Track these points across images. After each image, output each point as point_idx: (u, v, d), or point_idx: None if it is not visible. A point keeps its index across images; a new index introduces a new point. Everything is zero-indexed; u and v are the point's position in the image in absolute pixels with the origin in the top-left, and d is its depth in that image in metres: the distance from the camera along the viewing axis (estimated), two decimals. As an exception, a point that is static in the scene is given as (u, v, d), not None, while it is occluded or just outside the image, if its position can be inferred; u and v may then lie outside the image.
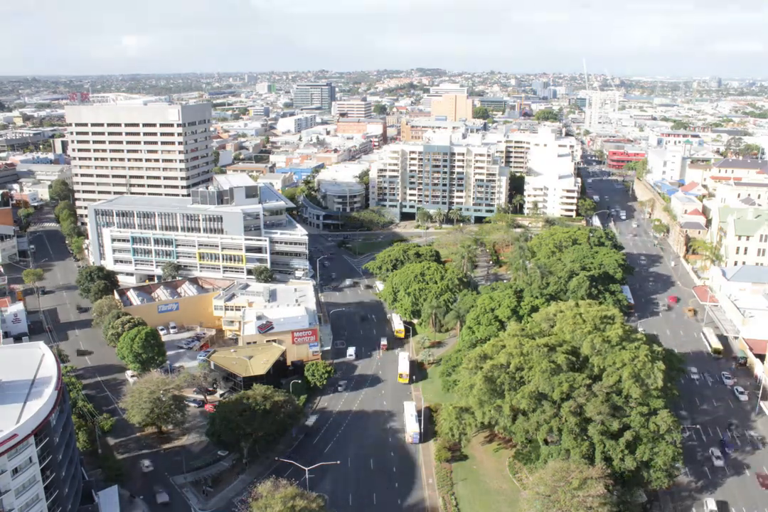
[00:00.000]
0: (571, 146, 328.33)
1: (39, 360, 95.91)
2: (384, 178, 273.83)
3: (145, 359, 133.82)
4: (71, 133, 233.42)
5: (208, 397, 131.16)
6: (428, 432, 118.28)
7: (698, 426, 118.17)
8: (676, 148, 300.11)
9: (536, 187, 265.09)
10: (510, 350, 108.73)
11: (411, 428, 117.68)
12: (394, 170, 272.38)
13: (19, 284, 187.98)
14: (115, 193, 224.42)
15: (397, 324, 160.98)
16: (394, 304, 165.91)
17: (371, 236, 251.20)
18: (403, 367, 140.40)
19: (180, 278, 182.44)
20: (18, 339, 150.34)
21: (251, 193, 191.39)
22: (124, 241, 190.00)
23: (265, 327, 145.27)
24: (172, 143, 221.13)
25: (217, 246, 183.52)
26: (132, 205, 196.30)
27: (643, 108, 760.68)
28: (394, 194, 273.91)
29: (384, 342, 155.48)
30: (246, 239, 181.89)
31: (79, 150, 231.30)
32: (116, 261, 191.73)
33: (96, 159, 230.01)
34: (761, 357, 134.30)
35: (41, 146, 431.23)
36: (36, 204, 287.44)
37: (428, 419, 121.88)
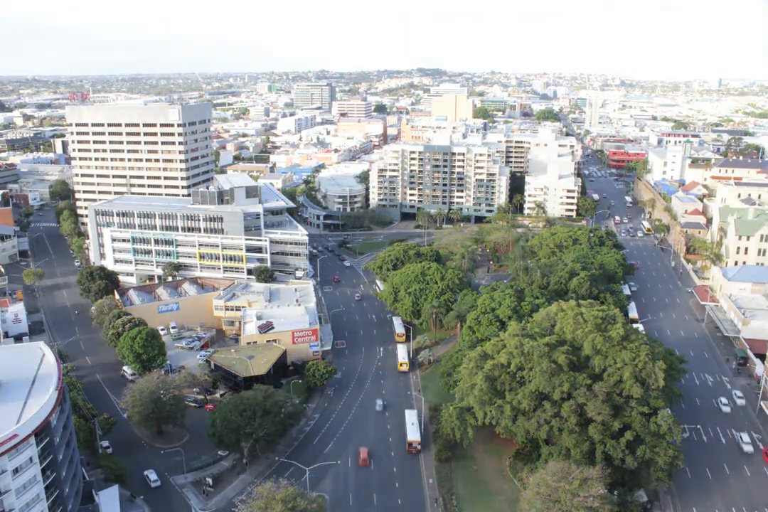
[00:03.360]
0: (572, 146, 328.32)
1: (39, 360, 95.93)
2: (384, 177, 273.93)
3: (146, 359, 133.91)
4: (71, 133, 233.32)
5: (208, 397, 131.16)
6: (428, 432, 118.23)
7: (698, 426, 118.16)
8: (677, 148, 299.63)
9: (537, 186, 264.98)
10: (511, 350, 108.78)
11: (412, 438, 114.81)
12: (394, 170, 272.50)
13: (19, 284, 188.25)
14: (115, 193, 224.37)
15: (398, 328, 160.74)
16: (395, 304, 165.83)
17: (371, 236, 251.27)
18: (403, 356, 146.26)
19: (180, 278, 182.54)
20: (18, 339, 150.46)
21: (252, 193, 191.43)
22: (124, 241, 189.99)
23: (265, 327, 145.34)
24: (173, 143, 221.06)
25: (217, 246, 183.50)
26: (132, 205, 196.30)
27: (643, 108, 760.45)
28: (394, 194, 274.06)
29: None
30: (246, 239, 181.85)
31: (80, 150, 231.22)
32: (116, 261, 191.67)
33: (96, 159, 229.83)
34: (761, 357, 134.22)
35: (41, 146, 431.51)
36: (36, 204, 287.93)
37: (429, 419, 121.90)
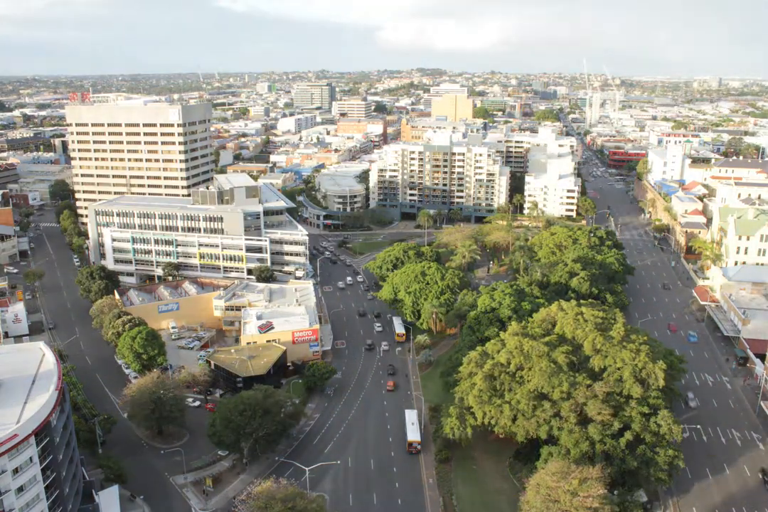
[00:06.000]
0: (572, 146, 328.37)
1: (39, 359, 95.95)
2: (384, 177, 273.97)
3: (146, 359, 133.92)
4: (72, 133, 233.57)
5: (208, 397, 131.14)
6: (428, 432, 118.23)
7: (698, 426, 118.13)
8: (677, 148, 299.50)
9: (536, 186, 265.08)
10: (510, 349, 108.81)
11: (412, 438, 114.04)
12: (394, 170, 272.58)
13: (19, 284, 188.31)
14: (115, 193, 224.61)
15: (398, 328, 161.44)
16: (395, 304, 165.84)
17: (371, 236, 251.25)
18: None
19: (181, 278, 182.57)
20: (18, 339, 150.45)
21: (252, 193, 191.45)
22: (124, 241, 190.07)
23: (265, 327, 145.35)
24: (173, 143, 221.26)
25: (217, 246, 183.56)
26: (132, 205, 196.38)
27: (643, 108, 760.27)
28: (394, 194, 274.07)
29: None
30: (246, 239, 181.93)
31: (80, 150, 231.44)
32: (116, 261, 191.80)
33: (96, 159, 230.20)
34: (761, 357, 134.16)
35: (41, 146, 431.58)
36: (36, 204, 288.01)
37: (429, 419, 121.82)
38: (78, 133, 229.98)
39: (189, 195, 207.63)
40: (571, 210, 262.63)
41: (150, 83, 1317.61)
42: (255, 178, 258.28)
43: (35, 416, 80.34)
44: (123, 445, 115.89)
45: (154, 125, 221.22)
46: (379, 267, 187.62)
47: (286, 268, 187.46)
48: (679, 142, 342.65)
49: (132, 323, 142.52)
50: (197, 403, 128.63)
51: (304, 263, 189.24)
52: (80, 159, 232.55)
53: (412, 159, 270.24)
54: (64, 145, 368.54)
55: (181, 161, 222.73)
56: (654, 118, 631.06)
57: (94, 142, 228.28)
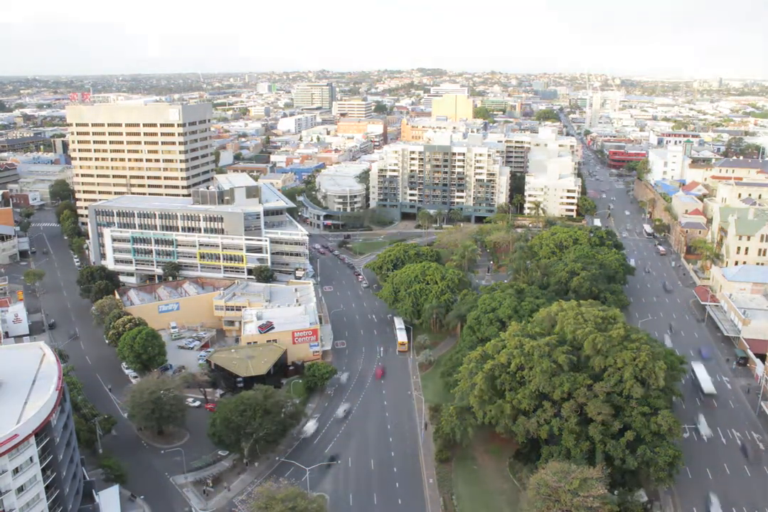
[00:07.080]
0: (572, 146, 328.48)
1: (40, 359, 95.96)
2: (384, 177, 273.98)
3: (146, 359, 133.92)
4: (72, 133, 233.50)
5: (208, 397, 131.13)
6: (428, 432, 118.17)
7: (698, 426, 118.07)
8: (677, 148, 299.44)
9: (537, 186, 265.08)
10: (511, 350, 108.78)
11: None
12: (394, 170, 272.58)
13: (19, 284, 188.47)
14: (115, 193, 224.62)
15: (401, 336, 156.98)
16: (395, 304, 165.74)
17: (371, 236, 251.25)
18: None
19: (181, 278, 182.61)
20: (18, 338, 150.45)
21: (252, 193, 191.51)
22: (124, 241, 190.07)
23: (266, 327, 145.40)
24: (173, 143, 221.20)
25: (217, 246, 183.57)
26: (132, 205, 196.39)
27: (643, 108, 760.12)
28: (394, 194, 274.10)
29: None
30: (246, 239, 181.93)
31: (80, 150, 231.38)
32: (116, 261, 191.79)
33: (96, 159, 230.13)
34: (761, 357, 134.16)
35: (41, 146, 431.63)
36: (36, 204, 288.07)
37: (429, 419, 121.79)
38: (78, 133, 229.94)
39: (189, 195, 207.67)
40: (572, 210, 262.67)
41: (150, 83, 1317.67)
42: (255, 178, 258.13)
43: (35, 416, 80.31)
44: (123, 445, 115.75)
45: (154, 125, 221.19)
46: (379, 267, 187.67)
47: (286, 268, 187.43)
48: (680, 142, 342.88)
49: (132, 323, 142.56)
50: (197, 403, 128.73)
51: (304, 263, 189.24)
52: (80, 159, 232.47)
53: (413, 159, 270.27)
54: (64, 145, 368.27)
55: (181, 161, 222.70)
56: (654, 118, 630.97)
57: (95, 142, 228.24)
